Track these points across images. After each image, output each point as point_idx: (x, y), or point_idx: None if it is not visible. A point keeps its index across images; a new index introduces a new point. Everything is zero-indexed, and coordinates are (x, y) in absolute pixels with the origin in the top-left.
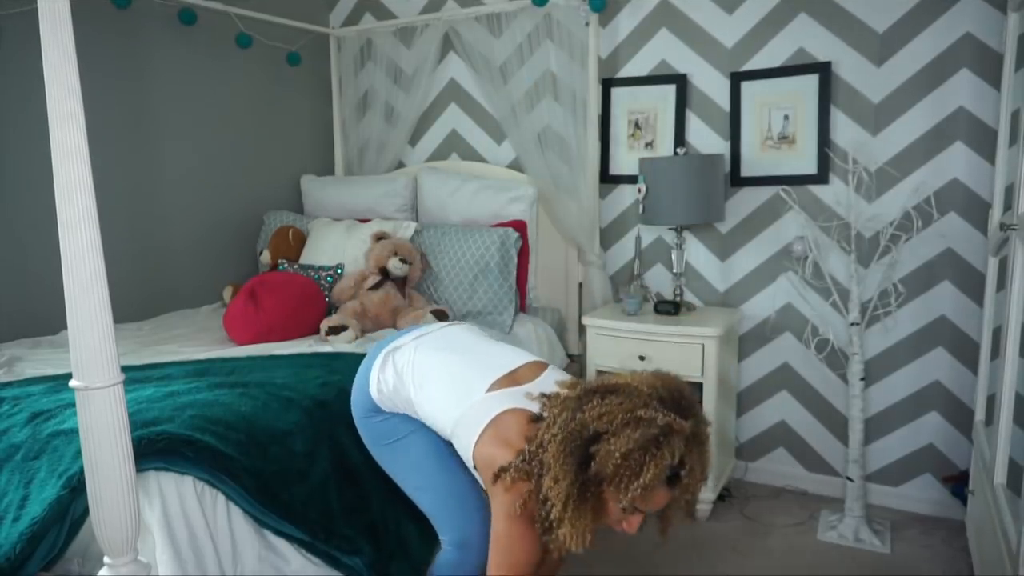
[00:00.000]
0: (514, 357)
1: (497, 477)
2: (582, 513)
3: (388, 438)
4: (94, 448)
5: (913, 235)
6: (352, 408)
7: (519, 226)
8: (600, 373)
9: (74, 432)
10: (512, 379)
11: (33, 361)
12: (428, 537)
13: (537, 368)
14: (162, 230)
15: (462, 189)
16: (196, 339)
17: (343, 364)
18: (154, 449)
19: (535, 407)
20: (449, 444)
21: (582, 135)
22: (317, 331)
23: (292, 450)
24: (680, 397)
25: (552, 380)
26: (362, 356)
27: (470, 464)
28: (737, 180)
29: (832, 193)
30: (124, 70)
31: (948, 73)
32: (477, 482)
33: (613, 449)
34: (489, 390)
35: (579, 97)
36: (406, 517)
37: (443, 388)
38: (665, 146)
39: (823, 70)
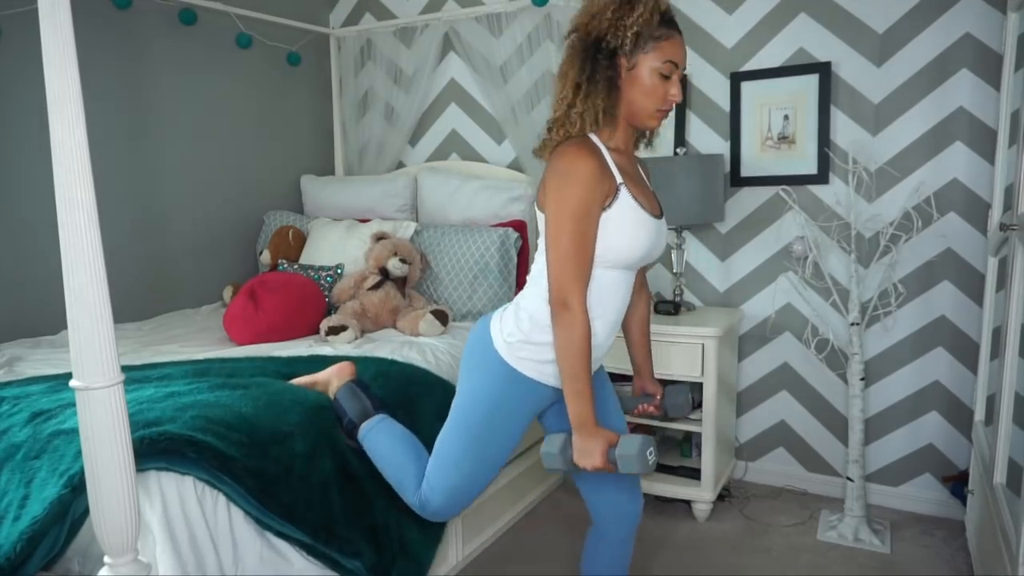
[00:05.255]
0: None
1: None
2: (595, 89)
3: None
4: (94, 448)
5: (913, 235)
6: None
7: (519, 226)
8: None
9: (75, 432)
10: None
11: (33, 361)
12: (430, 539)
13: None
14: (162, 230)
15: (462, 189)
16: (196, 339)
17: None
18: (155, 449)
19: None
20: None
21: None
22: (317, 331)
23: (293, 451)
24: None
25: None
26: (362, 356)
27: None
28: (737, 180)
29: (832, 193)
30: (124, 70)
31: (948, 73)
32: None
33: (602, 8)
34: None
35: None
36: (408, 519)
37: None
38: (665, 146)
39: (823, 70)
